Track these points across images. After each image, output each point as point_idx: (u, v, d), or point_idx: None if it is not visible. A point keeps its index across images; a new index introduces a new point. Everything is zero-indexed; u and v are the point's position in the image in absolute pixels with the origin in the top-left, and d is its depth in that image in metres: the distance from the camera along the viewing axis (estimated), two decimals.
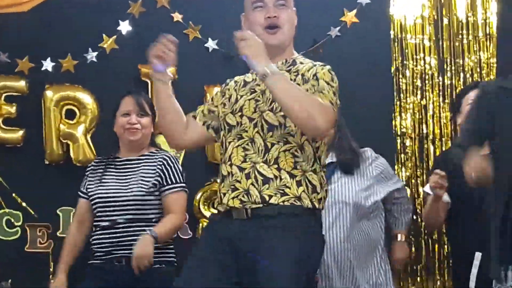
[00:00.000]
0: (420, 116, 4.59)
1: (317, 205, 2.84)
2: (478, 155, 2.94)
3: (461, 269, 3.84)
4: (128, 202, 3.82)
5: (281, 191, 2.79)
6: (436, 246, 4.52)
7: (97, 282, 3.81)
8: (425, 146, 4.58)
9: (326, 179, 2.93)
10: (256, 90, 2.92)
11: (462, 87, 4.50)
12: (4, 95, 4.53)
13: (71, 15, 4.57)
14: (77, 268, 3.96)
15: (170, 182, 3.87)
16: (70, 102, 4.52)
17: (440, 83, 4.60)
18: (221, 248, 2.81)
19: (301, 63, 2.96)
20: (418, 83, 4.60)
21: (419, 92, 4.60)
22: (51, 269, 4.38)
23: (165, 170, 3.88)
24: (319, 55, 4.41)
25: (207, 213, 4.42)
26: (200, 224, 4.44)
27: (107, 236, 3.83)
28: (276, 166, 2.81)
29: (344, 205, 3.81)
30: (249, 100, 2.91)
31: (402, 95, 4.59)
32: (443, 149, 4.51)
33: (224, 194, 2.86)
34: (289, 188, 2.80)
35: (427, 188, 3.92)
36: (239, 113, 2.90)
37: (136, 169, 3.92)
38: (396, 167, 4.50)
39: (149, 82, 4.40)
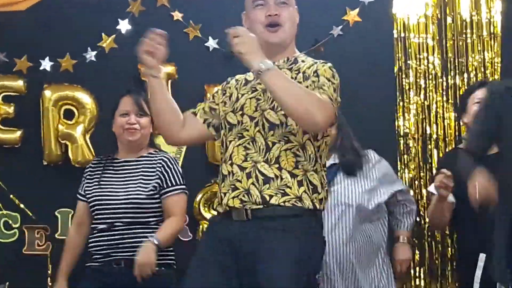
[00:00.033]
0: (423, 117, 4.57)
1: (318, 206, 2.83)
2: (483, 176, 2.96)
3: (465, 270, 3.86)
4: (127, 205, 3.80)
5: (281, 191, 2.78)
6: (440, 248, 4.49)
7: (95, 285, 3.79)
8: (429, 147, 4.56)
9: (328, 180, 2.93)
10: (257, 89, 2.90)
11: (466, 87, 4.49)
12: (1, 95, 4.50)
13: (70, 14, 4.55)
14: (75, 271, 3.94)
15: (170, 185, 3.85)
16: (69, 102, 4.50)
17: (444, 83, 4.58)
18: (221, 249, 2.81)
19: (303, 61, 2.95)
20: (421, 83, 4.57)
21: (422, 92, 4.57)
22: (49, 272, 4.37)
23: (165, 172, 3.86)
24: (321, 54, 4.40)
25: (208, 215, 4.40)
26: (201, 226, 4.42)
27: (105, 238, 3.81)
28: (277, 165, 2.80)
29: (347, 207, 3.80)
30: (250, 98, 2.90)
31: (405, 95, 4.57)
32: (447, 150, 4.49)
33: (225, 194, 2.85)
34: (290, 188, 2.79)
35: (432, 188, 3.91)
36: (240, 112, 2.89)
37: (135, 171, 3.89)
38: (399, 168, 4.48)
39: None
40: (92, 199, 3.89)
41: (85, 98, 4.48)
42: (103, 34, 4.53)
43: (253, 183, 2.79)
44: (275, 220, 2.76)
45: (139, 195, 3.80)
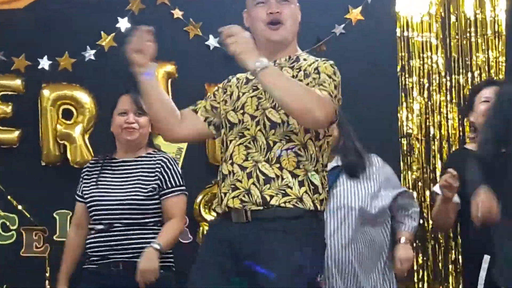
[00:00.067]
0: (427, 117, 4.55)
1: (319, 207, 2.81)
2: (487, 197, 3.00)
3: (470, 271, 3.86)
4: (125, 206, 3.77)
5: (282, 192, 2.76)
6: (443, 251, 4.46)
7: (93, 286, 3.76)
8: (432, 147, 4.53)
9: (330, 182, 2.95)
10: (258, 88, 2.88)
11: (470, 86, 4.49)
12: None
13: (69, 12, 4.54)
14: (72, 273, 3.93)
15: (170, 186, 3.82)
16: (68, 101, 4.48)
17: (448, 82, 4.56)
18: (221, 250, 2.80)
19: (305, 59, 2.93)
20: (425, 82, 4.56)
21: (425, 91, 4.56)
22: (47, 274, 4.36)
23: (164, 173, 3.83)
24: (323, 53, 4.38)
25: (208, 216, 4.38)
26: (201, 228, 4.40)
27: (103, 239, 3.78)
28: (278, 165, 2.78)
29: (350, 210, 3.79)
30: (251, 97, 2.88)
31: (408, 94, 4.55)
32: (451, 150, 4.47)
33: (225, 194, 2.83)
34: (291, 188, 2.77)
35: (436, 188, 3.91)
36: (241, 111, 2.88)
37: (133, 171, 3.86)
38: (401, 169, 4.46)
39: None
40: (89, 199, 3.86)
41: (84, 98, 4.46)
42: (102, 32, 4.52)
43: (253, 183, 2.77)
44: (275, 222, 2.74)
45: (138, 196, 3.77)
